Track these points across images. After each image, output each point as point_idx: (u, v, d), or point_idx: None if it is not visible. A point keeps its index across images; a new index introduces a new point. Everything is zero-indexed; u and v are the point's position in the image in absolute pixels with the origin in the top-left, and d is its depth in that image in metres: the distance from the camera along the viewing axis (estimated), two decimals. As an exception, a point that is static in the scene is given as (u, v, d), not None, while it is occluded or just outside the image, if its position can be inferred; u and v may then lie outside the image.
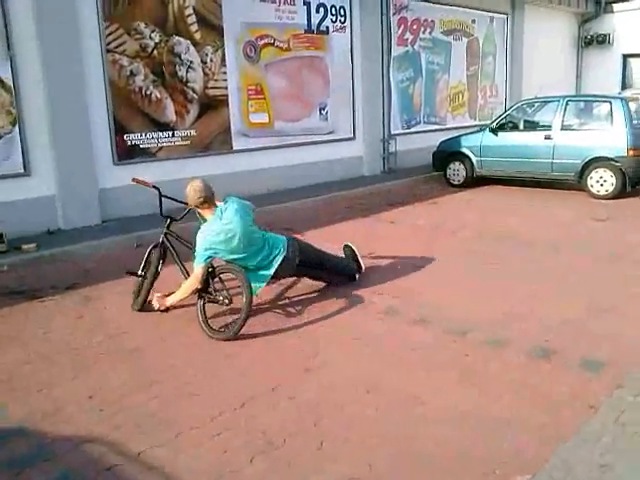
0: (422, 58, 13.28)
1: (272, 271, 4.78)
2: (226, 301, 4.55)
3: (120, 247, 6.99)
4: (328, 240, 7.00)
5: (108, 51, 7.98)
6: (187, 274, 4.86)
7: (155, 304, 4.75)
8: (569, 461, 2.82)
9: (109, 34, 7.98)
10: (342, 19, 11.14)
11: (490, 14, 14.91)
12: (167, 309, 4.80)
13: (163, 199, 5.12)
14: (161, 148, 8.67)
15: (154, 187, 5.11)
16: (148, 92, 8.43)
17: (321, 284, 5.48)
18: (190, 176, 8.42)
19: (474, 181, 10.77)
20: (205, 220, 4.73)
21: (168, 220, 5.16)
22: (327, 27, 10.89)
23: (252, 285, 4.55)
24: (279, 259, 4.78)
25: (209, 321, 4.50)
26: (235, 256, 4.63)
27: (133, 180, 5.25)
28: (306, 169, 10.64)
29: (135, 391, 3.64)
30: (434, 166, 11.46)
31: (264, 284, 4.85)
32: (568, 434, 3.02)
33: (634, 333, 4.24)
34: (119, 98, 8.16)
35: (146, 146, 8.51)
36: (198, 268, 4.58)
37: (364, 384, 3.63)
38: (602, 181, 9.25)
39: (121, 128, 8.22)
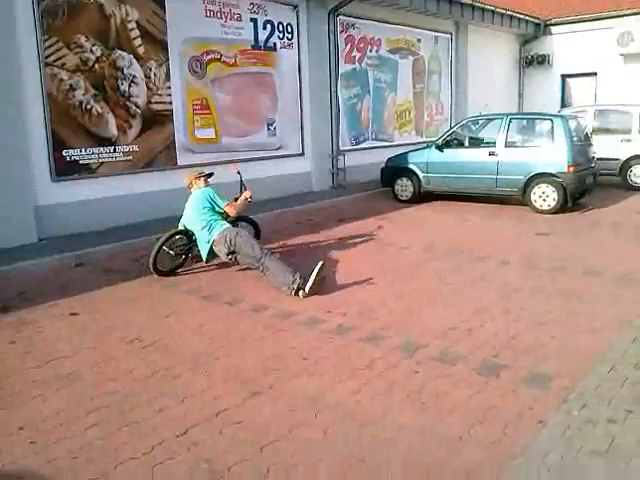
0: (369, 76, 13.42)
1: (207, 247, 6.30)
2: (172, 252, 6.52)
3: (58, 266, 6.70)
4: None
5: (47, 64, 7.71)
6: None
7: None
8: (519, 479, 2.80)
9: (48, 47, 7.71)
10: (289, 36, 11.16)
11: (435, 34, 15.25)
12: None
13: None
14: (102, 164, 8.41)
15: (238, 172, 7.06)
16: (89, 106, 8.18)
17: (269, 299, 5.39)
18: (133, 193, 8.26)
19: (422, 197, 10.88)
20: None
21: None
22: (274, 43, 10.88)
23: (200, 249, 6.45)
24: (211, 240, 6.22)
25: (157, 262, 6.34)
26: (189, 228, 6.50)
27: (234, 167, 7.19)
28: (255, 185, 10.33)
29: (71, 420, 3.43)
30: (382, 182, 11.53)
31: (205, 253, 6.38)
32: (518, 451, 3.00)
33: (578, 345, 4.29)
34: (58, 113, 7.88)
35: (86, 162, 8.23)
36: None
37: (313, 406, 3.52)
38: (544, 196, 9.49)
39: (60, 143, 7.93)
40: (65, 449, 3.13)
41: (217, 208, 6.37)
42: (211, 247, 6.27)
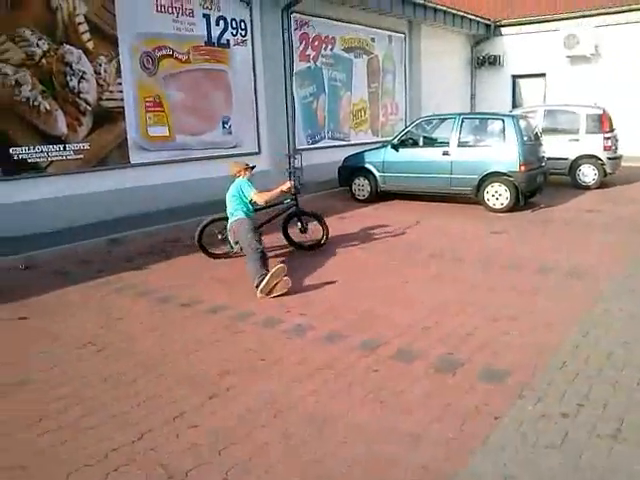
0: (324, 74, 13.42)
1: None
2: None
3: (5, 269, 6.47)
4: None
5: (-10, 58, 7.43)
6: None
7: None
8: (476, 474, 2.84)
9: (-9, 40, 7.43)
10: (243, 33, 11.05)
11: (389, 33, 15.37)
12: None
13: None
14: (51, 162, 8.14)
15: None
16: (36, 103, 7.91)
17: (227, 299, 5.33)
18: (85, 192, 8.03)
19: (379, 196, 10.94)
20: None
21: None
22: (228, 40, 10.76)
23: None
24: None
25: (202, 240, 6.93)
26: None
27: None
28: (211, 183, 10.33)
29: (21, 428, 3.32)
30: (340, 181, 11.55)
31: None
32: (475, 446, 3.04)
33: (531, 341, 4.39)
34: (3, 109, 7.59)
35: (35, 160, 7.96)
36: None
37: (271, 408, 3.50)
38: (497, 195, 9.67)
39: (6, 141, 7.63)
40: (14, 458, 3.02)
41: (244, 198, 6.53)
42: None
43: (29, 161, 7.91)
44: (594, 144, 11.80)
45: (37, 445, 3.15)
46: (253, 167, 6.98)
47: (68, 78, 8.29)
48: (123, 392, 3.73)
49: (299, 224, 7.22)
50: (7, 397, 3.69)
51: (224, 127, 10.83)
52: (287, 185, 6.73)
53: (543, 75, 17.94)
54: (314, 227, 7.30)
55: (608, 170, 11.88)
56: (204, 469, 2.91)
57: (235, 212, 6.50)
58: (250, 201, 6.57)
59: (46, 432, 3.27)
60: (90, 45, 8.52)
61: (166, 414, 3.43)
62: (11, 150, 7.70)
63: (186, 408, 3.50)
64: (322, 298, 5.53)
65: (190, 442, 3.15)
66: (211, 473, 2.87)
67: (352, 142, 14.12)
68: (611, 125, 12.05)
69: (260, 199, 6.51)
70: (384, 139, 13.65)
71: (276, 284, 5.48)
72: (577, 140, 11.97)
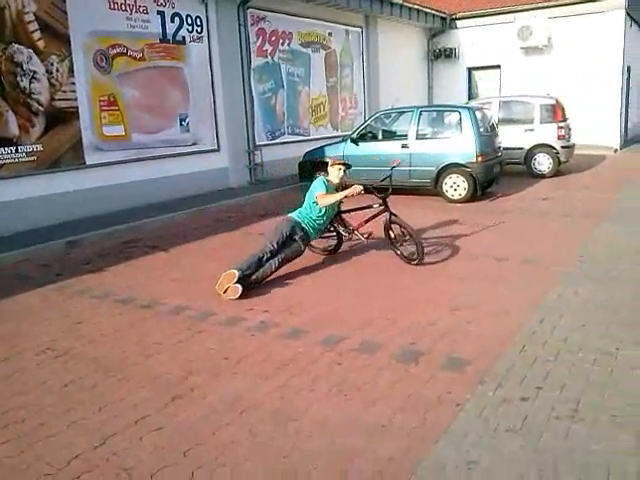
0: (282, 69, 13.38)
1: None
2: None
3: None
4: (199, 255, 6.80)
5: None
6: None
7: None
8: (440, 462, 2.89)
9: None
10: (199, 29, 10.92)
11: (346, 27, 15.39)
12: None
13: None
14: (3, 165, 7.92)
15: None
16: (-15, 105, 7.69)
17: (188, 300, 5.28)
18: (40, 195, 7.86)
19: (339, 190, 10.96)
20: None
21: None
22: (183, 37, 10.62)
23: None
24: None
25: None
26: None
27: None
28: (170, 182, 10.28)
29: (-23, 439, 3.23)
30: (300, 176, 11.53)
31: None
32: (438, 434, 3.09)
33: (491, 329, 4.48)
34: (-50, 111, 7.37)
35: (-15, 163, 7.75)
36: None
37: (237, 406, 3.49)
38: (455, 186, 9.82)
39: (-46, 144, 7.41)
40: (-29, 471, 2.95)
41: (312, 198, 6.26)
42: None
43: (-21, 164, 7.69)
44: (548, 133, 12.08)
45: (-4, 455, 3.08)
46: (346, 166, 6.55)
47: (18, 78, 8.06)
48: (84, 397, 3.67)
49: (391, 233, 6.61)
50: (-37, 408, 3.60)
51: (182, 124, 10.70)
52: (352, 190, 6.18)
53: (498, 67, 18.23)
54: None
55: (562, 158, 12.19)
56: (169, 471, 2.89)
57: (296, 209, 6.36)
58: (315, 202, 6.20)
59: (5, 442, 3.19)
60: (41, 44, 8.30)
61: (128, 418, 3.39)
62: (-40, 153, 7.47)
63: (149, 411, 3.46)
64: (285, 295, 5.52)
65: (154, 445, 3.12)
66: (177, 475, 2.85)
67: (312, 137, 14.12)
68: (564, 115, 12.35)
69: (321, 201, 6.15)
70: (344, 133, 13.71)
71: (228, 288, 5.44)
72: (532, 130, 12.24)
